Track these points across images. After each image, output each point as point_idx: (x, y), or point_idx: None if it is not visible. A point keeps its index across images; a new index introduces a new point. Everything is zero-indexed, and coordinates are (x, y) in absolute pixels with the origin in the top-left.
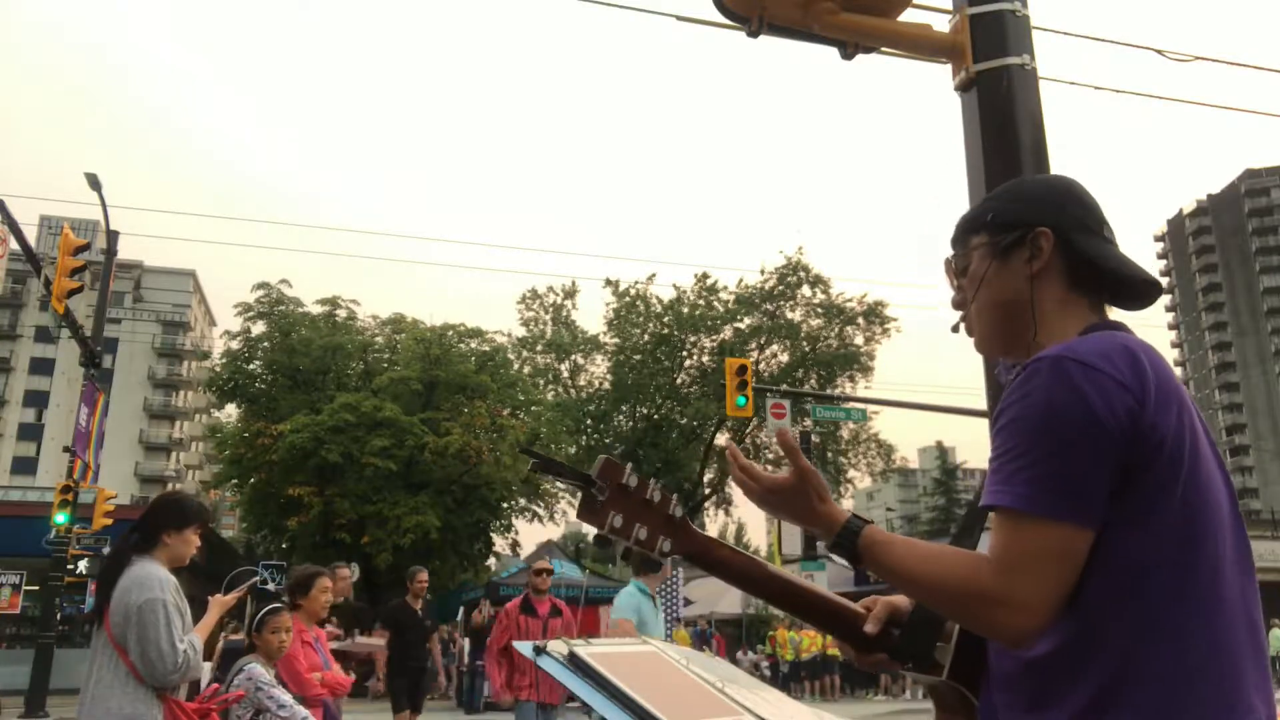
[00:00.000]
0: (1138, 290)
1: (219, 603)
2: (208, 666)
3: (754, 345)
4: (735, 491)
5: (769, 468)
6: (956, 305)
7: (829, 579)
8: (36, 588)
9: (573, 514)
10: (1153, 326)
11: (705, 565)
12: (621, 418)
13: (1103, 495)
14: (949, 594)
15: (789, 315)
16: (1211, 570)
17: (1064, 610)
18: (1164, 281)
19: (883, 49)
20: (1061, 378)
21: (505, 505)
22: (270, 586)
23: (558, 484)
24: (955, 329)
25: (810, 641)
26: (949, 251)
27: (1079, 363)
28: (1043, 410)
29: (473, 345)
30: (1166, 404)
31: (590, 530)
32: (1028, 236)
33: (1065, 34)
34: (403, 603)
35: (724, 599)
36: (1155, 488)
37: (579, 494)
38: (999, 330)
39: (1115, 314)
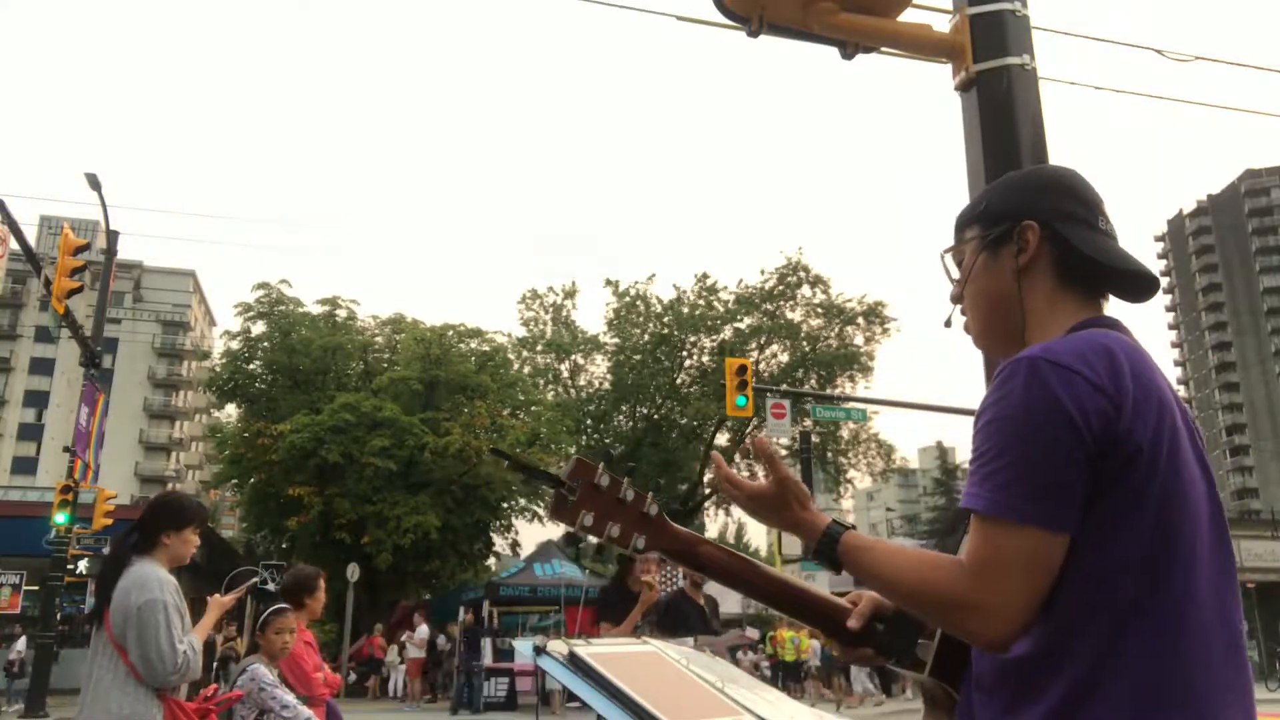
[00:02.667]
0: (1135, 284)
1: (217, 603)
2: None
3: (754, 345)
4: None
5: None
6: (953, 299)
7: (830, 578)
8: (36, 588)
9: None
10: (1153, 326)
11: (688, 563)
12: (621, 418)
13: (1076, 500)
14: (925, 599)
15: (789, 315)
16: (1187, 577)
17: (1039, 615)
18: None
19: (883, 49)
20: (1036, 379)
21: (505, 505)
22: (270, 587)
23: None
24: (947, 323)
25: (807, 643)
26: (947, 243)
27: (1054, 364)
28: (1017, 412)
29: (473, 345)
30: (1145, 407)
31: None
32: (1015, 230)
33: (1065, 34)
34: (683, 594)
35: (725, 599)
36: (1130, 494)
37: (552, 494)
38: (990, 326)
39: (1118, 307)
